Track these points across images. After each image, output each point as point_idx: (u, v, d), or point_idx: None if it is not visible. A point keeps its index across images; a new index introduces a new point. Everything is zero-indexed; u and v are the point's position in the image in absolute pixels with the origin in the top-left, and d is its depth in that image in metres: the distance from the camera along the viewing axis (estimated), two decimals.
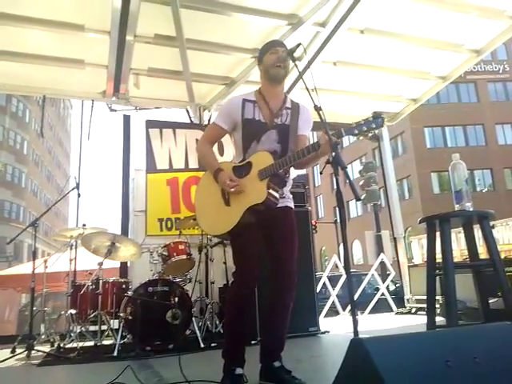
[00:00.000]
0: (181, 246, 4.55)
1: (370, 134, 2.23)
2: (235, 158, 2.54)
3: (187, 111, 6.09)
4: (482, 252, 3.30)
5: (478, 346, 1.65)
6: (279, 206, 2.41)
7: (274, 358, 2.41)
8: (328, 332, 4.54)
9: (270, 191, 2.31)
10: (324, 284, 6.89)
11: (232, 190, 2.32)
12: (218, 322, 4.55)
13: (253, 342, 3.99)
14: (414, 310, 6.30)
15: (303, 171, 40.58)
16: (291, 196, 2.58)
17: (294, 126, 2.49)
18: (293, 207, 2.57)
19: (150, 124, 5.79)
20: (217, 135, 2.61)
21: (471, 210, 2.84)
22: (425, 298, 2.91)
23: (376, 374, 1.43)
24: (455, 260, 3.27)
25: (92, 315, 4.28)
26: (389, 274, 7.53)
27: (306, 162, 2.44)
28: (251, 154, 2.42)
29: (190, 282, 4.65)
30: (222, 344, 2.48)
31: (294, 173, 2.71)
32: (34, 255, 4.33)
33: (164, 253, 4.50)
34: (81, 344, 4.10)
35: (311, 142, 2.33)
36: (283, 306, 2.44)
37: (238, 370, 2.29)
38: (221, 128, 2.52)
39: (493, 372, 1.59)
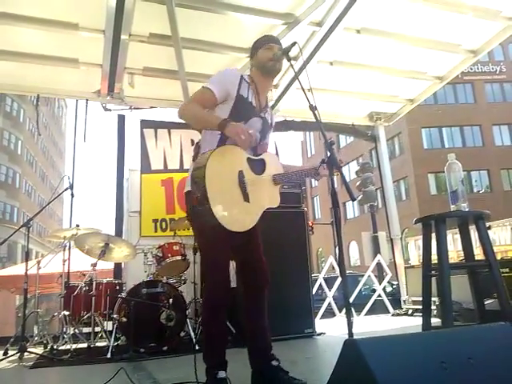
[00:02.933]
0: (175, 247, 4.52)
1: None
2: (209, 135, 2.37)
3: None
4: (479, 253, 3.29)
5: (472, 346, 1.64)
6: None
7: (270, 358, 2.36)
8: (324, 334, 4.51)
9: None
10: (320, 285, 6.87)
11: (250, 140, 2.18)
12: None
13: None
14: (410, 312, 6.28)
15: None
16: None
17: (271, 127, 2.57)
18: None
19: (145, 124, 5.76)
20: (208, 101, 2.33)
21: (467, 210, 2.82)
22: (421, 299, 2.89)
23: (370, 376, 1.42)
24: (451, 261, 3.25)
25: (85, 317, 4.25)
26: (385, 276, 7.51)
27: None
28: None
29: (184, 283, 4.62)
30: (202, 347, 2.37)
31: None
32: (26, 256, 4.29)
33: (158, 254, 4.47)
34: (74, 346, 4.08)
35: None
36: (257, 302, 2.41)
37: (221, 374, 2.20)
38: (213, 95, 2.31)
39: (488, 373, 1.57)
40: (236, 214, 2.20)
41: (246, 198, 2.23)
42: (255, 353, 2.39)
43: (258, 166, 2.34)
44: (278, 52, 2.42)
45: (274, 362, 2.34)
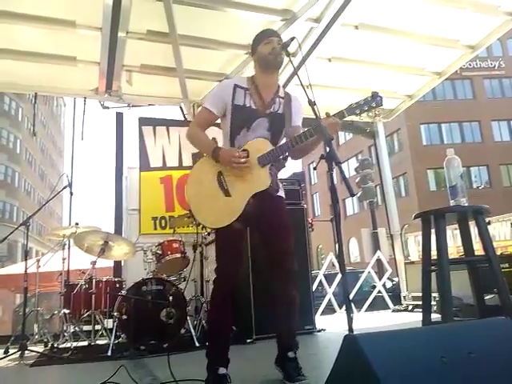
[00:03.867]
0: (175, 245, 4.51)
1: (369, 114, 2.30)
2: (223, 147, 2.48)
3: (181, 108, 6.04)
4: (479, 249, 3.29)
5: (473, 341, 1.63)
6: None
7: (289, 348, 2.39)
8: (324, 330, 4.51)
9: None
10: (320, 282, 6.87)
11: (242, 160, 2.25)
12: None
13: (248, 340, 3.98)
14: (410, 307, 6.29)
15: (299, 168, 40.62)
16: (281, 185, 2.57)
17: (287, 115, 2.49)
18: (284, 197, 2.56)
19: (143, 121, 5.75)
20: (207, 120, 2.49)
21: (466, 205, 2.82)
22: (421, 294, 2.89)
23: (370, 371, 1.41)
24: (451, 256, 3.25)
25: (85, 315, 4.25)
26: (385, 272, 7.52)
27: (304, 149, 2.46)
28: (241, 141, 2.38)
29: (184, 280, 4.61)
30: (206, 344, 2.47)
31: (289, 170, 2.70)
32: (25, 255, 4.29)
33: (158, 251, 4.46)
34: (74, 344, 4.09)
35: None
36: (286, 296, 2.40)
37: (221, 370, 2.25)
38: (210, 112, 2.44)
39: (488, 367, 1.57)
40: (217, 213, 2.32)
41: (227, 194, 2.31)
42: (282, 342, 2.44)
43: None
44: (277, 46, 2.41)
45: (291, 354, 2.38)
